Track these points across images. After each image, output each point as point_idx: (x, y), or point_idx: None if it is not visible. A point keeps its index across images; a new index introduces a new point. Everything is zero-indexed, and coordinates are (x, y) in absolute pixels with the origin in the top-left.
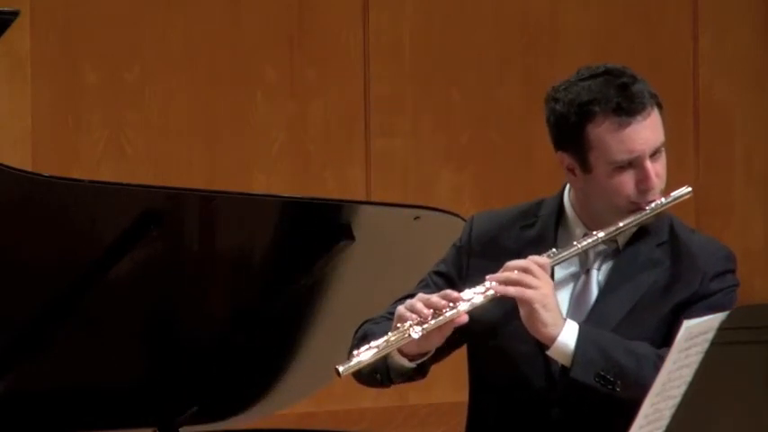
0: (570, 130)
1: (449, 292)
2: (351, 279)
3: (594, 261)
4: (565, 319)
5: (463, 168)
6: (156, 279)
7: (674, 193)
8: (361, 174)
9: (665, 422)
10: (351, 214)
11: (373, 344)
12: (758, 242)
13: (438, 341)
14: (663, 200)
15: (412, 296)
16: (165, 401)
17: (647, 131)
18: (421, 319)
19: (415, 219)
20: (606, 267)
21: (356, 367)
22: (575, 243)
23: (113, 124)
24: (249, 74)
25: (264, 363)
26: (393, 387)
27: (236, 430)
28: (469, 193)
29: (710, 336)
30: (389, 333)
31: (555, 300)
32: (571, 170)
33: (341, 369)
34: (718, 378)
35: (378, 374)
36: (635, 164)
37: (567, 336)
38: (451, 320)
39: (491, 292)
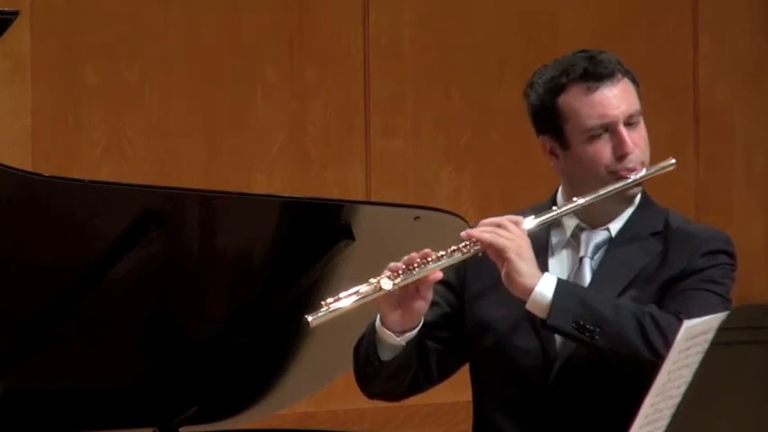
0: (544, 108)
1: (426, 251)
2: (351, 279)
3: (588, 250)
4: (543, 273)
5: (463, 168)
6: (156, 279)
7: (657, 165)
8: (361, 174)
9: (665, 422)
10: (351, 214)
11: (342, 294)
12: (758, 242)
13: (419, 307)
14: (645, 170)
15: (431, 305)
16: (165, 401)
17: (616, 97)
18: (394, 273)
19: (415, 219)
20: (599, 256)
21: (326, 316)
22: (554, 208)
23: (113, 124)
24: (249, 74)
25: (264, 363)
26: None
27: (236, 430)
28: (469, 194)
29: (710, 336)
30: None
31: (530, 252)
32: (553, 153)
33: (310, 319)
34: (718, 378)
35: (370, 357)
36: (609, 130)
37: (545, 286)
38: (425, 277)
39: (465, 247)
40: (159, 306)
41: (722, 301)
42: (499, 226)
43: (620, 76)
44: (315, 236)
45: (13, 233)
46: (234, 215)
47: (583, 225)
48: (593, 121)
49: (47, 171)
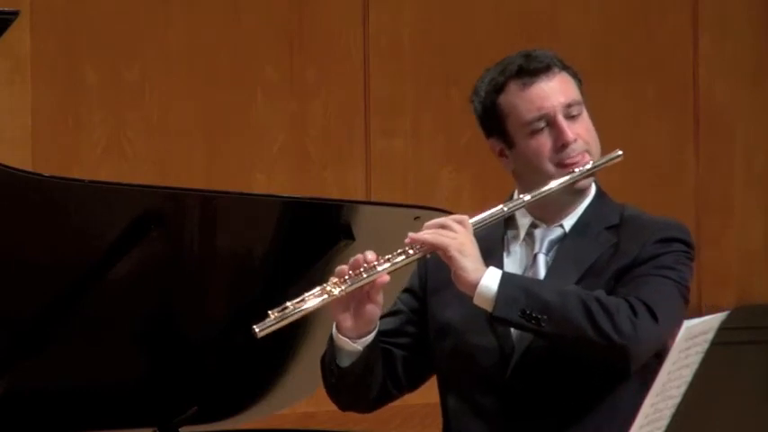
0: (487, 110)
1: (373, 255)
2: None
3: (542, 246)
4: (488, 268)
5: (463, 169)
6: (156, 279)
7: (604, 156)
8: (361, 174)
9: (665, 422)
10: (351, 214)
11: (289, 302)
12: (758, 242)
13: (371, 311)
14: (591, 162)
15: (394, 313)
16: (165, 401)
17: (552, 89)
18: (341, 279)
19: (415, 219)
20: (554, 252)
21: (273, 325)
22: (500, 206)
23: (113, 124)
24: (249, 74)
25: (264, 363)
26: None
27: (236, 430)
28: (469, 194)
29: (710, 336)
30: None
31: (473, 248)
32: (503, 154)
33: (258, 329)
34: (718, 378)
35: (330, 366)
36: (549, 123)
37: (490, 279)
38: (373, 282)
39: (411, 250)
40: (159, 306)
41: (677, 287)
42: (443, 226)
43: (556, 69)
44: (315, 236)
45: (13, 233)
46: (234, 215)
47: (537, 222)
48: (531, 115)
49: (47, 171)
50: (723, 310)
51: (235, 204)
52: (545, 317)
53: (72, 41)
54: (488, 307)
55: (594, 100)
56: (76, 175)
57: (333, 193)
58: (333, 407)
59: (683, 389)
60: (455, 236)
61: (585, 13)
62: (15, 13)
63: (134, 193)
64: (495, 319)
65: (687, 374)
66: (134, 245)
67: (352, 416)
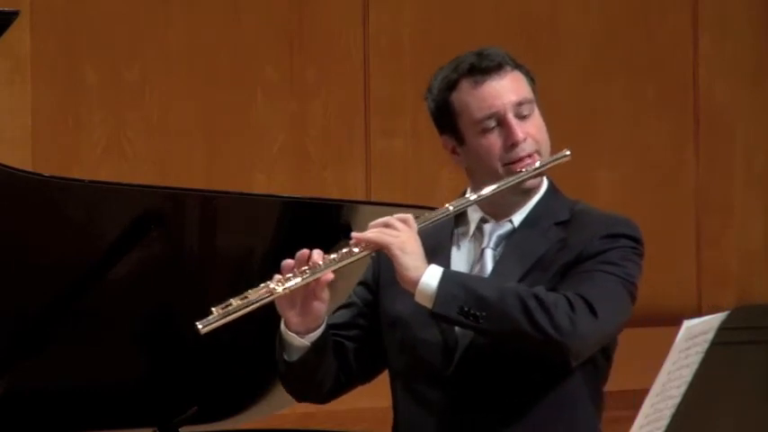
0: (439, 107)
1: (317, 253)
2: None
3: (491, 241)
4: (429, 265)
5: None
6: (156, 279)
7: (552, 156)
8: (361, 174)
9: (665, 422)
10: (351, 214)
11: (232, 300)
12: (758, 242)
13: (317, 308)
14: (538, 162)
15: (348, 306)
16: (165, 401)
17: (503, 88)
18: (285, 278)
19: (415, 219)
20: (502, 246)
21: (216, 322)
22: (447, 205)
23: (113, 124)
24: (249, 74)
25: (264, 363)
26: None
27: (236, 430)
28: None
29: (710, 336)
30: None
31: (415, 246)
32: (454, 152)
33: (201, 326)
34: (718, 378)
35: (281, 360)
36: (499, 121)
37: (430, 277)
38: (318, 279)
39: (356, 249)
40: (159, 306)
41: (621, 283)
42: (387, 225)
43: (508, 68)
44: (315, 236)
45: (13, 233)
46: (234, 215)
47: (487, 217)
48: (481, 113)
49: (47, 171)
50: (723, 310)
51: (235, 204)
52: (483, 314)
53: (72, 41)
54: (428, 304)
55: (594, 100)
56: (76, 175)
57: (333, 193)
58: (333, 407)
59: (683, 389)
60: (398, 234)
61: (585, 13)
62: (15, 13)
63: (134, 193)
64: (434, 316)
65: (687, 374)
66: (134, 245)
67: (352, 416)
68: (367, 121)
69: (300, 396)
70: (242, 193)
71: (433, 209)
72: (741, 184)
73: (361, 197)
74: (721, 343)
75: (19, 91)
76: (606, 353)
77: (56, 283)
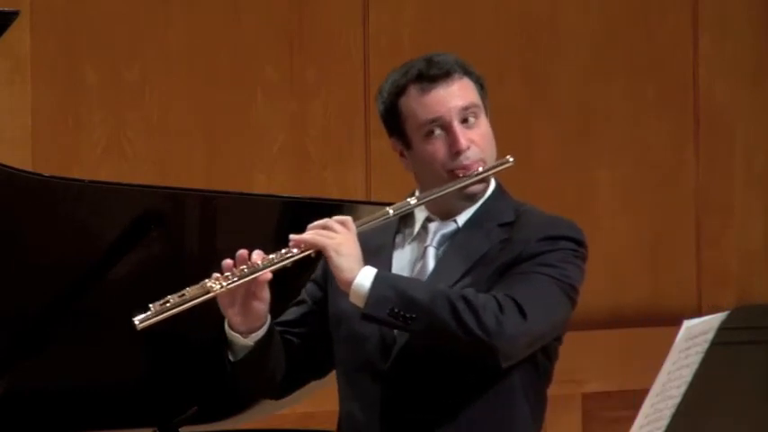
0: (388, 110)
1: (256, 252)
2: None
3: (434, 240)
4: (364, 267)
5: None
6: (156, 279)
7: (494, 163)
8: (361, 174)
9: (665, 422)
10: (351, 214)
11: (170, 297)
12: (758, 242)
13: (258, 307)
14: (480, 168)
15: (298, 303)
16: (165, 401)
17: (450, 95)
18: (224, 277)
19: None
20: (445, 246)
21: (152, 318)
22: (387, 209)
23: (113, 124)
24: (249, 74)
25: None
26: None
27: (236, 430)
28: None
29: (710, 336)
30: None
31: (351, 248)
32: (402, 155)
33: (137, 321)
34: (718, 378)
35: (225, 360)
36: (444, 129)
37: (364, 278)
38: (256, 279)
39: (295, 250)
40: None
41: (556, 284)
42: (325, 227)
43: (456, 75)
44: None
45: (13, 233)
46: (234, 215)
47: (432, 217)
48: (426, 119)
49: (47, 171)
50: (723, 310)
51: (235, 204)
52: (413, 315)
53: (72, 41)
54: (361, 305)
55: (594, 100)
56: (76, 175)
57: (333, 193)
58: (333, 407)
59: (683, 389)
60: (334, 236)
61: (585, 13)
62: (15, 13)
63: (134, 193)
64: (365, 317)
65: (687, 374)
66: (134, 245)
67: None
68: (367, 121)
69: (250, 393)
70: (242, 193)
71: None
72: (741, 184)
73: (361, 197)
74: (721, 343)
75: (19, 91)
76: (547, 352)
77: (56, 283)
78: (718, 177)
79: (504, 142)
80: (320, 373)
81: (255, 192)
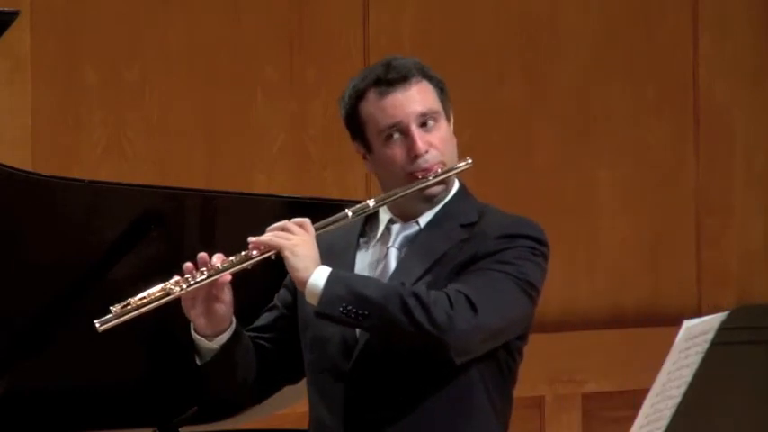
0: (349, 115)
1: (216, 255)
2: None
3: (395, 241)
4: (318, 266)
5: None
6: (156, 280)
7: (453, 165)
8: (361, 174)
9: (665, 422)
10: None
11: (131, 299)
12: (758, 242)
13: (220, 310)
14: (439, 169)
15: (270, 309)
16: (165, 401)
17: (408, 99)
18: (184, 278)
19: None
20: (406, 247)
21: (113, 320)
22: (346, 211)
23: (113, 124)
24: (249, 74)
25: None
26: None
27: (236, 430)
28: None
29: (710, 336)
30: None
31: (307, 249)
32: (364, 157)
33: (98, 324)
34: (718, 378)
35: (193, 364)
36: (403, 133)
37: (318, 278)
38: (216, 281)
39: (254, 252)
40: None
41: (512, 280)
42: (283, 229)
43: (414, 79)
44: None
45: (13, 233)
46: (234, 215)
47: (395, 219)
48: (385, 124)
49: (47, 171)
50: (723, 310)
51: (235, 204)
52: (365, 312)
53: (72, 41)
54: (315, 303)
55: (594, 100)
56: (76, 175)
57: (333, 193)
58: None
59: (683, 389)
60: (291, 237)
61: (585, 13)
62: (15, 13)
63: (134, 193)
64: (318, 315)
65: (687, 374)
66: (134, 245)
67: None
68: None
69: (222, 396)
70: (242, 193)
71: None
72: (741, 184)
73: (361, 197)
74: (721, 343)
75: (19, 91)
76: (509, 350)
77: (56, 283)
78: (718, 177)
79: (504, 142)
80: (293, 377)
81: (255, 192)
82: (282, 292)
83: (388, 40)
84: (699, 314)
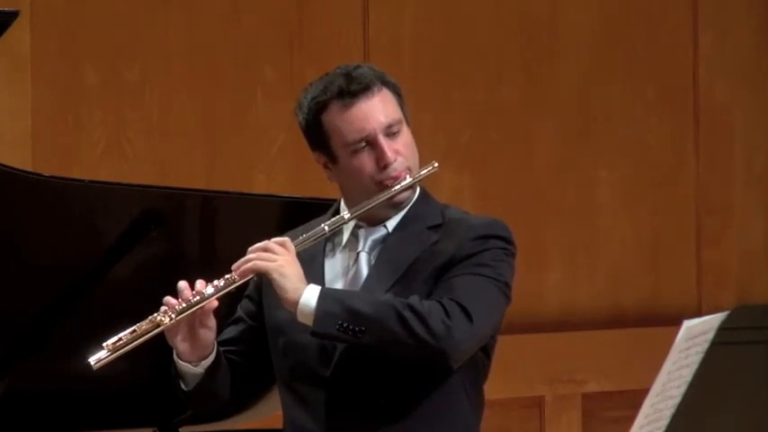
0: (312, 126)
1: (200, 282)
2: None
3: (365, 246)
4: (308, 285)
5: (463, 168)
6: (156, 279)
7: (421, 170)
8: None
9: (665, 422)
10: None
11: (123, 333)
12: (758, 242)
13: (205, 336)
14: (408, 177)
15: (235, 321)
16: (165, 401)
17: (372, 110)
18: (172, 309)
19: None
20: (377, 250)
21: (107, 358)
22: (323, 225)
23: (113, 124)
24: (249, 74)
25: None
26: None
27: (236, 430)
28: (469, 193)
29: (710, 336)
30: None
31: (293, 269)
32: (327, 167)
33: (93, 362)
34: (718, 378)
35: (177, 390)
36: (370, 143)
37: (309, 297)
38: (203, 308)
39: (237, 275)
40: (160, 306)
41: (493, 284)
42: (265, 250)
43: (376, 89)
44: None
45: (13, 233)
46: (234, 215)
47: (361, 224)
48: (352, 136)
49: (47, 171)
50: (723, 310)
51: (235, 204)
52: (362, 328)
53: (72, 41)
54: (310, 323)
55: (594, 100)
56: (76, 175)
57: (333, 193)
58: None
59: (683, 389)
60: (276, 258)
61: (585, 13)
62: (15, 13)
63: (134, 193)
64: (315, 335)
65: (687, 374)
66: (134, 245)
67: None
68: None
69: (207, 415)
70: (242, 193)
71: None
72: (741, 184)
73: None
74: (721, 343)
75: (19, 91)
76: (486, 351)
77: (56, 283)
78: (718, 177)
79: (504, 142)
80: (267, 385)
81: (255, 192)
82: (245, 302)
83: (388, 40)
84: (699, 314)
